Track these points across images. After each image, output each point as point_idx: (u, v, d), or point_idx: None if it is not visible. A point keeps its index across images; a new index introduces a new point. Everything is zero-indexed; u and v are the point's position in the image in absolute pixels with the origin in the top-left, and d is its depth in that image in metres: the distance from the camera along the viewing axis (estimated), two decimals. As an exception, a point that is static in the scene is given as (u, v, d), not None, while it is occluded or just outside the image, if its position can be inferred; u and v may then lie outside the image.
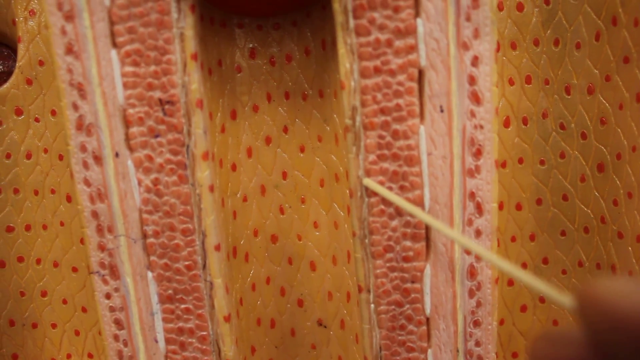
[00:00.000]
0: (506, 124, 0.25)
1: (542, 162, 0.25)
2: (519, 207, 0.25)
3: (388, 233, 0.20)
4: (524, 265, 0.26)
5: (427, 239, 0.20)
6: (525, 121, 0.25)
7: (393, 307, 0.21)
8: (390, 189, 0.20)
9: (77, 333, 0.26)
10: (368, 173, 0.20)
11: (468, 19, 0.19)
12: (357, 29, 0.19)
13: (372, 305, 0.21)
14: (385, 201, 0.20)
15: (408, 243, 0.20)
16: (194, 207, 0.20)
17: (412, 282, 0.21)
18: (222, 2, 0.21)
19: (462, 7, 0.19)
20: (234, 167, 0.23)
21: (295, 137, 0.23)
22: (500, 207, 0.25)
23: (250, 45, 0.22)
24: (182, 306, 0.21)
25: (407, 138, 0.20)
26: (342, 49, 0.19)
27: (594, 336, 0.11)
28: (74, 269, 0.25)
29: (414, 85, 0.19)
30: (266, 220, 0.24)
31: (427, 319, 0.21)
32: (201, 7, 0.21)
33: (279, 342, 0.24)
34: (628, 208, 0.24)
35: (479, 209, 0.20)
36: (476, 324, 0.21)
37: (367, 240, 0.20)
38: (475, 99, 0.20)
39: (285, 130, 0.23)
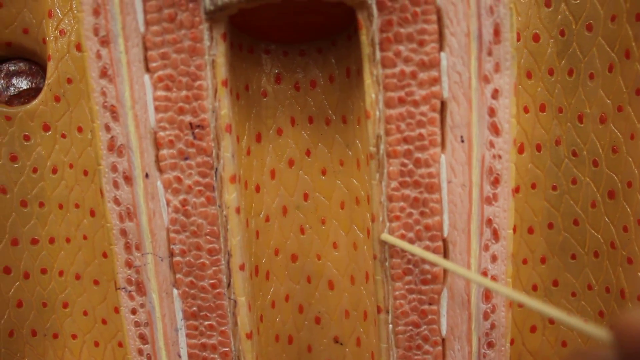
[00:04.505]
0: (520, 150, 0.25)
1: (554, 188, 0.26)
2: (531, 230, 0.26)
3: (407, 257, 0.21)
4: (535, 288, 0.27)
5: (445, 263, 0.21)
6: (539, 148, 0.26)
7: (410, 327, 0.21)
8: (410, 214, 0.21)
9: (96, 344, 0.26)
10: (390, 199, 0.21)
11: (490, 53, 0.20)
12: (383, 61, 0.20)
13: (390, 326, 0.21)
14: (405, 226, 0.21)
15: (427, 267, 0.21)
16: (220, 228, 0.21)
17: (430, 304, 0.21)
18: (251, 29, 0.22)
19: (484, 42, 0.20)
20: (257, 189, 0.23)
21: (318, 160, 0.24)
22: (513, 230, 0.26)
23: (276, 71, 0.23)
24: (206, 323, 0.22)
25: (429, 166, 0.20)
26: (368, 80, 0.20)
27: (627, 356, 0.12)
28: (95, 282, 0.26)
29: (437, 115, 0.20)
30: (287, 240, 0.24)
31: (443, 340, 0.22)
32: (231, 34, 0.21)
33: (295, 357, 0.25)
34: (638, 235, 0.24)
35: (495, 235, 0.21)
36: (490, 345, 0.22)
37: (387, 264, 0.21)
38: (495, 130, 0.20)
39: (308, 153, 0.24)
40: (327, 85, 0.24)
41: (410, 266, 0.21)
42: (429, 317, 0.21)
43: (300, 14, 0.21)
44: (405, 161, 0.20)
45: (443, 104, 0.20)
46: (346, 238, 0.24)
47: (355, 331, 0.24)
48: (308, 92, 0.24)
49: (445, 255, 0.21)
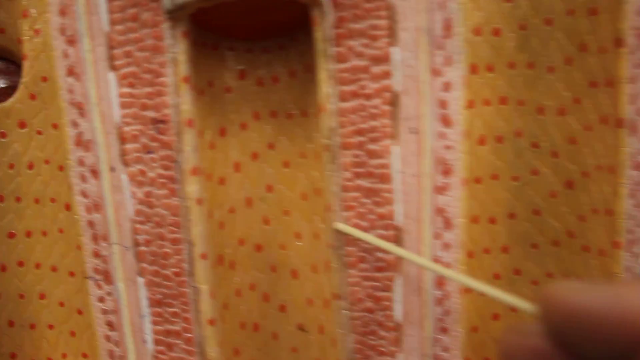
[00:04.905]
0: (481, 142, 0.26)
1: (515, 179, 0.26)
2: (492, 220, 0.27)
3: (362, 245, 0.22)
4: (497, 276, 0.27)
5: (400, 251, 0.22)
6: (500, 140, 0.26)
7: (365, 313, 0.22)
8: (364, 204, 0.21)
9: (72, 334, 0.27)
10: (345, 189, 0.21)
11: (440, 47, 0.21)
12: (336, 56, 0.21)
13: (346, 312, 0.22)
14: (360, 215, 0.21)
15: (380, 254, 0.22)
16: (182, 219, 0.22)
17: (384, 290, 0.22)
18: (214, 27, 0.23)
19: (434, 37, 0.21)
20: (222, 181, 0.24)
21: (280, 153, 0.25)
22: (475, 220, 0.26)
23: (240, 67, 0.24)
24: (170, 310, 0.22)
25: (381, 157, 0.21)
26: (322, 75, 0.21)
27: (552, 329, 0.13)
28: (71, 274, 0.27)
29: (389, 108, 0.21)
30: (252, 230, 0.25)
31: (397, 326, 0.22)
32: (194, 32, 0.22)
33: (262, 345, 0.26)
34: (593, 224, 0.25)
35: (448, 223, 0.22)
36: (443, 330, 0.23)
37: (342, 252, 0.22)
38: (446, 121, 0.21)
39: (271, 146, 0.25)
40: (289, 81, 0.24)
41: (365, 254, 0.22)
42: (384, 303, 0.22)
43: (258, 12, 0.22)
44: (359, 152, 0.21)
45: (395, 97, 0.21)
46: (308, 228, 0.25)
47: (317, 318, 0.25)
48: (271, 88, 0.24)
49: (399, 242, 0.22)
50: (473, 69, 0.21)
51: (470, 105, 0.22)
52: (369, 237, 0.21)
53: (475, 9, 0.24)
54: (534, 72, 0.26)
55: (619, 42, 0.22)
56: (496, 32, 0.25)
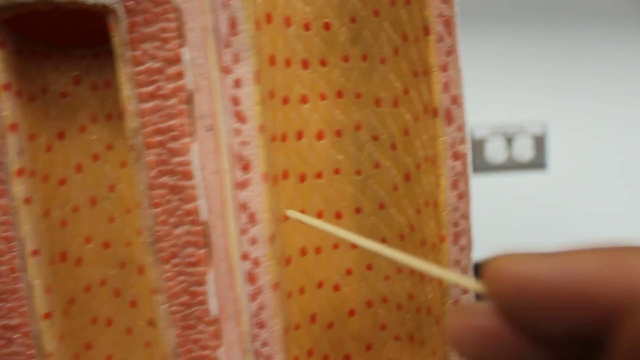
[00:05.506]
0: (319, 136, 0.26)
1: (358, 172, 0.26)
2: (339, 215, 0.27)
3: (172, 240, 0.22)
4: (349, 272, 0.27)
5: (208, 246, 0.22)
6: (339, 133, 0.26)
7: (184, 308, 0.23)
8: (170, 201, 0.22)
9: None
10: (151, 187, 0.22)
11: (228, 45, 0.21)
12: (132, 59, 0.21)
13: (165, 306, 0.23)
14: (168, 211, 0.22)
15: (191, 250, 0.22)
16: (13, 217, 0.23)
17: (198, 285, 0.23)
18: (36, 35, 0.24)
19: (221, 36, 0.21)
20: (62, 182, 0.25)
21: (119, 154, 0.26)
22: (320, 215, 0.26)
23: (75, 73, 0.25)
24: (7, 305, 0.24)
25: (182, 155, 0.22)
26: (122, 78, 0.22)
27: (501, 306, 0.11)
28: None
29: (185, 107, 0.21)
30: (98, 228, 0.26)
31: (215, 320, 0.23)
32: (17, 42, 0.24)
33: (116, 339, 0.27)
34: (426, 217, 0.24)
35: (252, 218, 0.22)
36: (261, 325, 0.23)
37: (154, 247, 0.22)
38: (240, 118, 0.21)
39: (110, 147, 0.26)
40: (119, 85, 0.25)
41: (176, 249, 0.22)
42: (199, 297, 0.23)
43: (66, 21, 0.23)
44: (161, 151, 0.22)
45: (190, 96, 0.21)
46: (145, 225, 0.26)
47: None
48: (105, 92, 0.25)
49: (207, 238, 0.22)
50: (256, 69, 0.21)
51: (264, 100, 0.22)
52: (325, 226, 0.21)
53: (303, 3, 0.25)
54: (368, 65, 0.25)
55: (426, 30, 0.22)
56: (327, 26, 0.25)
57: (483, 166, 1.32)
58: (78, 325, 0.26)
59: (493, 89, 1.28)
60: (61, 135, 0.26)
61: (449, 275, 0.15)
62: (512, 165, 1.33)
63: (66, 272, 0.26)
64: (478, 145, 1.31)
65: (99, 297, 0.27)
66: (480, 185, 1.32)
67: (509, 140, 1.32)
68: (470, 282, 0.14)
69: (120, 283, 0.27)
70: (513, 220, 1.34)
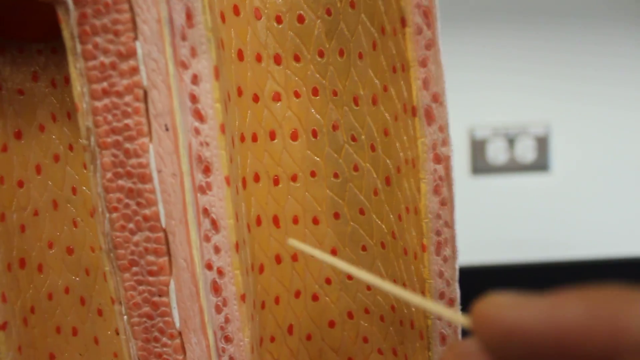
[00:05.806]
0: (294, 137, 0.24)
1: (336, 175, 0.25)
2: (316, 221, 0.25)
3: (131, 248, 0.21)
4: (328, 281, 0.25)
5: (169, 254, 0.21)
6: (314, 134, 0.24)
7: (145, 319, 0.21)
8: (128, 205, 0.21)
9: None
10: (107, 190, 0.21)
11: (184, 38, 0.19)
12: (83, 53, 0.20)
13: (125, 317, 0.21)
14: (125, 217, 0.21)
15: (151, 258, 0.21)
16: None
17: (160, 295, 0.21)
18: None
19: (176, 27, 0.19)
20: (20, 184, 0.24)
21: (80, 154, 0.24)
22: (295, 221, 0.25)
23: (33, 69, 0.24)
24: (-39, 315, 0.23)
25: (139, 156, 0.20)
26: (73, 73, 0.20)
27: (488, 348, 0.12)
28: None
29: (140, 105, 0.20)
30: (60, 233, 0.25)
31: (179, 333, 0.21)
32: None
33: (83, 349, 0.26)
34: (408, 224, 0.22)
35: (215, 225, 0.20)
36: (227, 339, 0.21)
37: (112, 255, 0.21)
38: (199, 116, 0.20)
39: (71, 148, 0.24)
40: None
41: (136, 257, 0.21)
42: (161, 309, 0.21)
43: (16, 13, 0.22)
44: (116, 152, 0.20)
45: (145, 93, 0.20)
46: (106, 231, 0.24)
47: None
48: (64, 89, 0.24)
49: (168, 246, 0.21)
50: (215, 65, 0.20)
51: (224, 97, 0.21)
52: (325, 256, 0.19)
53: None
54: (345, 60, 0.24)
55: (403, 22, 0.20)
56: (301, 19, 0.24)
57: (484, 167, 1.29)
58: (40, 334, 0.25)
59: (495, 89, 1.25)
60: (18, 135, 0.24)
61: (439, 309, 0.15)
62: (514, 167, 1.30)
63: (26, 279, 0.24)
64: (479, 146, 1.28)
65: (63, 305, 0.25)
66: (481, 187, 1.29)
67: (511, 142, 1.28)
68: (457, 317, 0.14)
69: (85, 290, 0.25)
70: (515, 223, 1.30)
